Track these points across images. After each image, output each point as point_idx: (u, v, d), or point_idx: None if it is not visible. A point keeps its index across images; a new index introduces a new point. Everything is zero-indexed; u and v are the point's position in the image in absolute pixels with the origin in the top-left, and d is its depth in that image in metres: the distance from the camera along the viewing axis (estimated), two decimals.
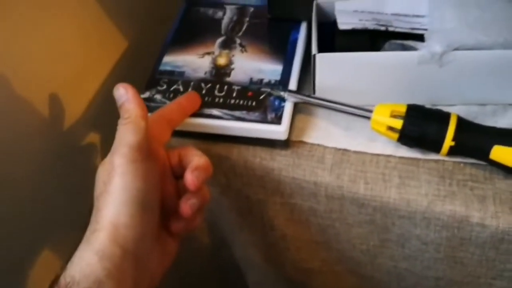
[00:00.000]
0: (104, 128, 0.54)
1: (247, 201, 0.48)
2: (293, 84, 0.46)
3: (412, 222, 0.42)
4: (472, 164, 0.42)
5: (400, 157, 0.43)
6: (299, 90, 0.47)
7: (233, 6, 0.53)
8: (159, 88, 0.46)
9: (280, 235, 0.49)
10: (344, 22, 0.45)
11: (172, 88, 0.45)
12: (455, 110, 0.44)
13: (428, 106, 0.42)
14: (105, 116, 0.52)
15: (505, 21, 0.43)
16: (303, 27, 0.50)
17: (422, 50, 0.42)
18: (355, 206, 0.43)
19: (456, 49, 0.42)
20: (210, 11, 0.53)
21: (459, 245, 0.42)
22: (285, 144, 0.44)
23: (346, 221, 0.45)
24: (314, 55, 0.43)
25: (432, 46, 0.42)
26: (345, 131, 0.45)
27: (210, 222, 0.54)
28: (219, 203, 0.51)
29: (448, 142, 0.40)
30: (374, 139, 0.44)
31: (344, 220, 0.45)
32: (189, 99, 0.43)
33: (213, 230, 0.55)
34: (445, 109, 0.42)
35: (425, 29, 0.44)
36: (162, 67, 0.48)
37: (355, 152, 0.44)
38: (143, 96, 0.45)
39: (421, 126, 0.40)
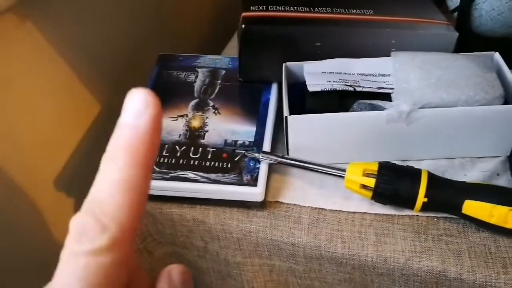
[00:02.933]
0: (77, 192, 0.53)
1: (226, 264, 0.47)
2: (267, 145, 0.46)
3: (391, 279, 0.42)
4: (445, 218, 0.43)
5: (375, 214, 0.44)
6: (273, 151, 0.48)
7: (204, 69, 0.54)
8: None
9: None
10: (313, 84, 0.46)
11: None
12: (425, 165, 0.45)
13: (398, 162, 0.44)
14: (79, 179, 0.52)
15: (466, 79, 0.45)
16: (274, 88, 0.51)
17: (390, 110, 0.44)
18: (333, 265, 0.43)
19: (422, 107, 0.44)
20: (182, 74, 0.54)
21: None
22: (261, 205, 0.44)
23: (326, 280, 0.45)
24: (286, 117, 0.44)
25: (399, 105, 0.44)
26: (320, 190, 0.46)
27: None
28: (197, 266, 0.50)
29: (421, 198, 0.41)
30: (348, 197, 0.45)
31: (323, 279, 0.45)
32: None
33: None
34: (415, 164, 0.43)
35: (392, 88, 0.46)
36: None
37: (331, 211, 0.44)
38: None
39: (393, 184, 0.41)
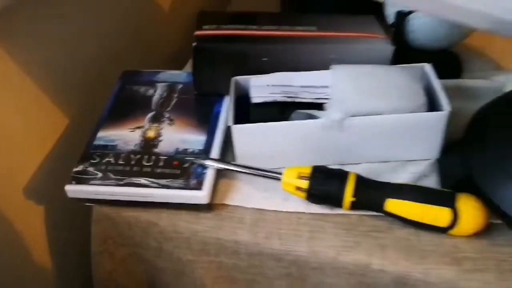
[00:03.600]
0: (45, 203, 0.57)
1: (179, 262, 0.51)
2: (215, 153, 0.51)
3: (323, 273, 0.46)
4: (374, 216, 0.47)
5: (311, 214, 0.48)
6: (223, 158, 0.52)
7: (163, 84, 0.59)
8: (92, 161, 0.50)
9: None
10: (257, 96, 0.51)
11: (104, 161, 0.50)
12: (360, 168, 0.49)
13: (336, 166, 0.48)
14: (47, 188, 0.56)
15: (395, 89, 0.49)
16: (226, 101, 0.56)
17: (324, 118, 0.48)
18: (272, 260, 0.47)
19: (353, 115, 0.48)
20: (142, 89, 0.58)
21: None
22: (208, 207, 0.49)
23: (267, 275, 0.49)
24: (229, 126, 0.48)
25: (332, 114, 0.48)
26: (263, 193, 0.50)
27: (148, 285, 0.57)
28: (155, 266, 0.54)
29: (348, 197, 0.45)
30: (288, 198, 0.49)
31: (265, 275, 0.49)
32: None
33: None
34: (352, 167, 0.48)
35: (328, 99, 0.50)
36: (96, 142, 0.52)
37: (271, 211, 0.48)
38: (76, 169, 0.49)
39: (324, 185, 0.46)
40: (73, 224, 0.61)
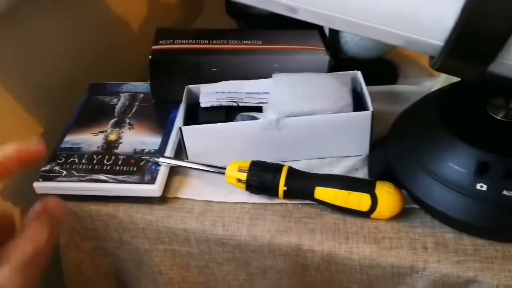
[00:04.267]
0: (23, 206, 0.63)
1: (137, 252, 0.57)
2: (169, 152, 0.57)
3: (263, 255, 0.52)
4: (307, 204, 0.53)
5: (252, 203, 0.54)
6: (176, 157, 0.58)
7: (126, 94, 0.66)
8: (58, 161, 0.56)
9: (168, 279, 0.58)
10: (205, 101, 0.57)
11: (69, 160, 0.56)
12: (299, 164, 0.56)
13: (277, 162, 0.54)
14: (24, 191, 0.62)
15: (325, 92, 0.56)
16: (181, 107, 0.62)
17: (262, 119, 0.55)
18: (218, 246, 0.53)
19: (288, 116, 0.54)
20: (107, 99, 0.65)
21: (302, 270, 0.52)
22: (161, 200, 0.55)
23: (216, 261, 0.55)
24: (180, 127, 0.55)
25: (269, 115, 0.54)
26: (211, 187, 0.56)
27: (114, 276, 0.62)
28: (118, 257, 0.60)
29: (282, 187, 0.51)
30: (232, 191, 0.55)
31: (214, 260, 0.55)
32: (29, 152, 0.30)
33: (117, 284, 0.63)
34: (292, 164, 0.54)
35: (267, 103, 0.57)
36: (63, 145, 0.58)
37: (218, 203, 0.54)
38: (43, 168, 0.55)
39: (260, 177, 0.52)
40: None
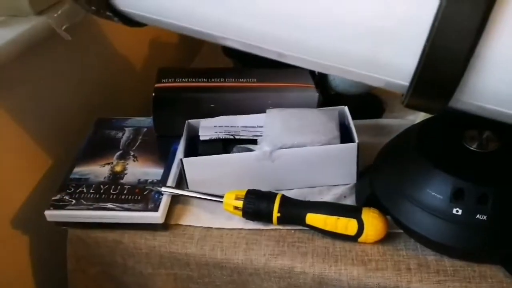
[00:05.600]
0: (33, 234, 0.67)
1: (141, 276, 0.61)
2: (170, 181, 0.61)
3: (259, 278, 0.56)
4: (299, 230, 0.57)
5: (248, 229, 0.58)
6: (178, 186, 0.63)
7: (130, 128, 0.70)
8: (68, 191, 0.60)
9: None
10: (204, 134, 0.62)
11: (78, 190, 0.60)
12: (292, 193, 0.60)
13: (271, 191, 0.58)
14: (35, 221, 0.66)
15: (313, 126, 0.61)
16: (182, 140, 0.67)
17: (256, 151, 0.59)
18: (217, 269, 0.57)
19: (280, 148, 0.59)
20: (113, 132, 0.70)
21: None
22: (164, 227, 0.59)
23: (215, 284, 0.58)
24: (181, 159, 0.59)
25: (263, 147, 0.59)
26: (210, 214, 0.60)
27: None
28: (122, 282, 0.63)
29: (275, 214, 0.55)
30: (230, 218, 0.59)
31: (214, 283, 0.58)
32: None
33: None
34: (286, 192, 0.58)
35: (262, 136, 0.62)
36: (71, 176, 0.63)
37: (217, 229, 0.59)
38: (54, 198, 0.59)
39: (255, 204, 0.56)
40: (52, 247, 0.70)
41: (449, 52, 0.33)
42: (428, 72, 0.34)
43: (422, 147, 0.54)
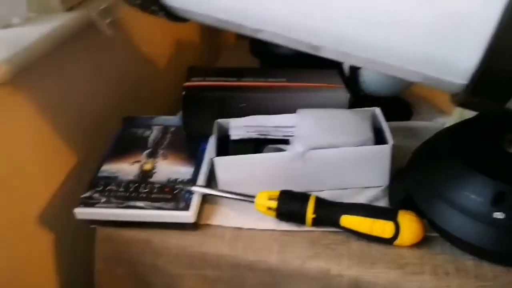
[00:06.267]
0: (58, 232, 0.66)
1: (170, 276, 0.60)
2: (201, 181, 0.61)
3: (293, 280, 0.55)
4: (333, 231, 0.56)
5: (281, 230, 0.57)
6: (208, 185, 0.62)
7: (158, 126, 0.70)
8: (97, 188, 0.59)
9: None
10: (235, 134, 0.61)
11: (107, 188, 0.59)
12: (323, 194, 0.59)
13: (303, 192, 0.57)
14: (61, 219, 0.65)
15: (346, 127, 0.60)
16: (210, 140, 0.66)
17: (289, 151, 0.58)
18: (249, 271, 0.56)
19: (313, 149, 0.58)
20: (140, 131, 0.69)
21: None
22: (194, 227, 0.58)
23: (245, 286, 0.57)
24: (212, 158, 0.59)
25: (296, 147, 0.58)
26: (241, 214, 0.59)
27: None
28: (149, 281, 0.62)
29: (310, 215, 0.54)
30: (262, 218, 0.58)
31: (243, 285, 0.57)
32: None
33: None
34: (315, 194, 0.57)
35: (293, 136, 0.61)
36: (100, 174, 0.62)
37: (248, 229, 0.58)
38: (84, 195, 0.58)
39: (290, 205, 0.55)
40: (78, 247, 0.69)
41: None
42: (491, 71, 0.33)
43: (460, 149, 0.53)
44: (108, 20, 0.59)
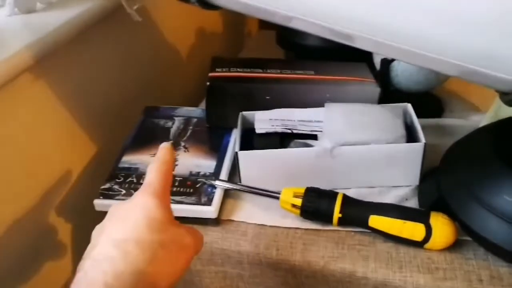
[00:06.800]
0: (77, 222, 0.65)
1: (189, 272, 0.58)
2: (223, 175, 0.59)
3: (316, 281, 0.53)
4: (360, 232, 0.54)
5: (305, 229, 0.55)
6: (230, 180, 0.60)
7: (180, 118, 0.68)
8: (117, 180, 0.58)
9: None
10: (260, 128, 0.59)
11: (127, 180, 0.58)
12: (350, 193, 0.57)
13: (329, 189, 0.55)
14: (79, 209, 0.64)
15: (378, 123, 0.57)
16: (234, 133, 0.64)
17: (317, 147, 0.56)
18: (271, 269, 0.54)
19: (342, 145, 0.56)
20: (162, 122, 0.67)
21: None
22: (216, 222, 0.56)
23: (267, 284, 0.55)
24: (236, 152, 0.57)
25: (324, 143, 0.56)
26: (264, 211, 0.57)
27: None
28: None
29: (337, 214, 0.52)
30: (285, 216, 0.56)
31: (265, 283, 0.55)
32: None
33: None
34: (342, 191, 0.55)
35: (321, 131, 0.58)
36: (120, 165, 0.60)
37: (271, 227, 0.56)
38: (103, 187, 0.57)
39: (315, 203, 0.53)
40: None
41: None
42: None
43: (499, 150, 0.50)
44: (135, 6, 0.57)
